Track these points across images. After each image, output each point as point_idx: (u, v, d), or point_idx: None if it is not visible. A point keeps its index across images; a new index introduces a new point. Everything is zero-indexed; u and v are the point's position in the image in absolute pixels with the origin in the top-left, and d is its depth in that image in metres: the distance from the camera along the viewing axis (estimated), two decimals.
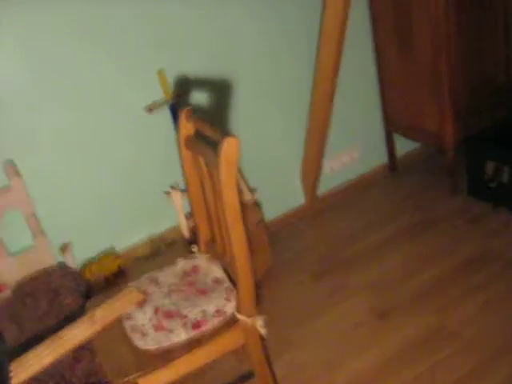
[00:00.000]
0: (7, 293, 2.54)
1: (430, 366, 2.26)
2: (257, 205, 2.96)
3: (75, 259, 2.73)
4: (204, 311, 1.96)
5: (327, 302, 2.71)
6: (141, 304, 2.06)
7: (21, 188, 2.54)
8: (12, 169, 2.53)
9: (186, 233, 2.81)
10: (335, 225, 3.29)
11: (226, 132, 1.76)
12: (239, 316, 1.95)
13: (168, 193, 2.80)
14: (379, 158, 3.57)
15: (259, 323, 1.97)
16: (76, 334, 1.98)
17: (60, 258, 2.71)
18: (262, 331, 1.99)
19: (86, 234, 2.77)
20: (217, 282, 2.09)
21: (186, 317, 1.96)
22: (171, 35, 2.74)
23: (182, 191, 2.80)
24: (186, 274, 2.19)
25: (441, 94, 2.99)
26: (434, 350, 2.33)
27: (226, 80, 2.93)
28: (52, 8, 2.45)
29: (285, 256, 3.10)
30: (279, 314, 2.69)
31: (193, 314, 1.96)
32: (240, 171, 2.89)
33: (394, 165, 3.59)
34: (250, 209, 2.92)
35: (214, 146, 1.75)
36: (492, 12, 3.00)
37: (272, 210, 3.28)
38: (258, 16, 2.94)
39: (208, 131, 1.93)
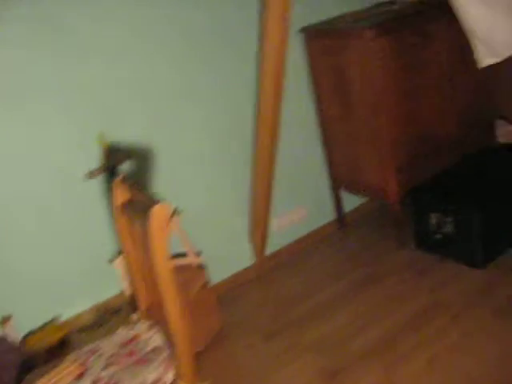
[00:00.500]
0: None
1: None
2: (202, 268, 2.93)
3: (17, 331, 2.65)
4: (143, 382, 1.91)
5: (277, 364, 2.66)
6: (79, 376, 2.00)
7: None
8: None
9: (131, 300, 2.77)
10: (285, 284, 3.28)
11: (155, 198, 1.76)
12: None
13: (113, 260, 2.76)
14: (327, 214, 3.60)
15: None
16: None
17: (0, 331, 2.62)
18: None
19: (28, 305, 2.70)
20: (156, 350, 2.05)
21: None
22: (109, 99, 2.77)
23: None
24: (125, 343, 2.14)
25: (381, 149, 3.06)
26: None
27: (166, 143, 2.95)
28: None
29: (235, 318, 3.06)
30: (228, 379, 2.64)
31: None
32: (185, 234, 2.88)
33: (342, 221, 3.62)
34: (195, 272, 2.89)
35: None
36: (429, 74, 3.11)
37: (221, 272, 3.26)
38: (197, 79, 2.99)
39: (140, 198, 1.93)
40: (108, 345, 2.16)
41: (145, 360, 2.01)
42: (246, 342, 2.86)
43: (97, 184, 2.76)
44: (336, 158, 3.42)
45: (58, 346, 2.64)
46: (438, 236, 3.04)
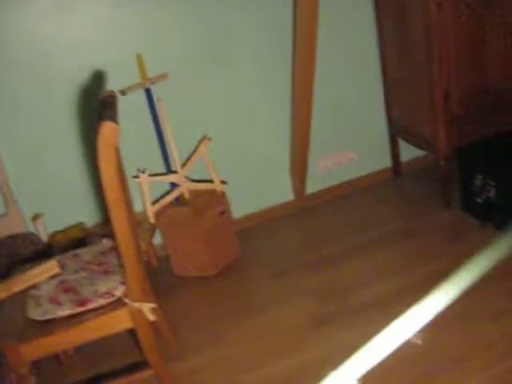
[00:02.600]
0: None
1: None
2: (224, 195, 2.95)
3: (45, 228, 2.88)
4: (96, 290, 2.02)
5: (274, 302, 2.66)
6: (53, 276, 2.14)
7: None
8: None
9: (151, 217, 2.87)
10: (316, 225, 3.22)
11: (105, 116, 1.79)
12: (125, 300, 1.98)
13: (136, 177, 2.86)
14: (381, 161, 3.43)
15: (146, 309, 2.00)
16: None
17: (32, 227, 2.87)
18: (150, 317, 2.01)
19: (59, 209, 2.93)
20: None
21: (78, 293, 2.02)
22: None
23: (150, 176, 2.86)
24: (102, 253, 2.26)
25: (434, 98, 2.82)
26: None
27: (212, 68, 2.97)
28: None
29: (256, 250, 3.09)
30: (225, 307, 2.71)
31: (86, 291, 2.02)
32: (210, 160, 2.91)
33: (397, 170, 3.43)
34: (216, 198, 2.92)
35: None
36: (497, 10, 2.76)
37: (257, 204, 3.28)
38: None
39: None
40: (88, 252, 2.29)
41: (109, 272, 2.11)
42: (255, 276, 2.90)
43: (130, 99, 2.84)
44: (394, 104, 3.22)
45: (77, 245, 2.82)
46: (480, 199, 2.79)
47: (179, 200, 2.93)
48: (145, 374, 2.14)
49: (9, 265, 2.62)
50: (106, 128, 1.74)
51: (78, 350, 2.57)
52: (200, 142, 2.94)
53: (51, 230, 2.93)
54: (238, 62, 3.00)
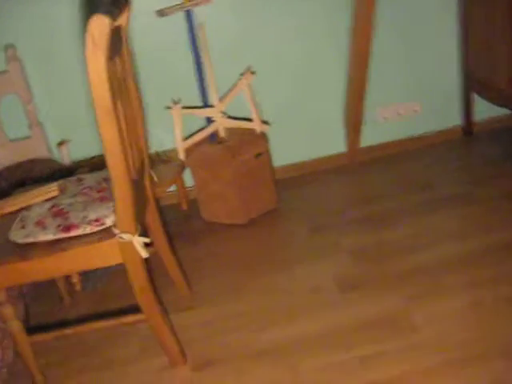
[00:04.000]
0: None
1: (364, 355, 1.83)
2: (264, 137, 2.64)
3: (70, 157, 2.69)
4: (85, 217, 1.78)
5: (305, 257, 2.37)
6: (50, 199, 1.93)
7: (18, 73, 2.54)
8: (11, 53, 2.52)
9: (181, 154, 2.61)
10: (369, 181, 2.87)
11: (98, 10, 1.51)
12: (114, 230, 1.73)
13: (169, 108, 2.60)
14: (450, 117, 2.99)
15: (138, 243, 1.74)
16: None
17: (57, 155, 2.69)
18: (142, 253, 1.75)
19: (86, 138, 2.70)
20: None
21: (67, 219, 1.79)
22: None
23: (183, 108, 2.59)
24: (105, 180, 2.02)
25: None
26: (380, 338, 1.87)
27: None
28: None
29: (297, 202, 2.78)
30: (251, 259, 2.44)
31: (75, 217, 1.79)
32: (253, 97, 2.61)
33: (468, 129, 2.98)
34: (255, 139, 2.62)
35: None
36: None
37: (305, 152, 2.96)
38: None
39: None
40: (92, 178, 2.06)
41: (106, 199, 1.87)
42: (290, 229, 2.59)
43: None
44: (471, 52, 2.77)
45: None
46: None
47: (214, 138, 2.65)
48: (136, 317, 1.89)
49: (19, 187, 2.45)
50: (95, 21, 1.47)
51: (85, 289, 2.40)
52: (242, 75, 2.64)
53: (76, 157, 2.73)
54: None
